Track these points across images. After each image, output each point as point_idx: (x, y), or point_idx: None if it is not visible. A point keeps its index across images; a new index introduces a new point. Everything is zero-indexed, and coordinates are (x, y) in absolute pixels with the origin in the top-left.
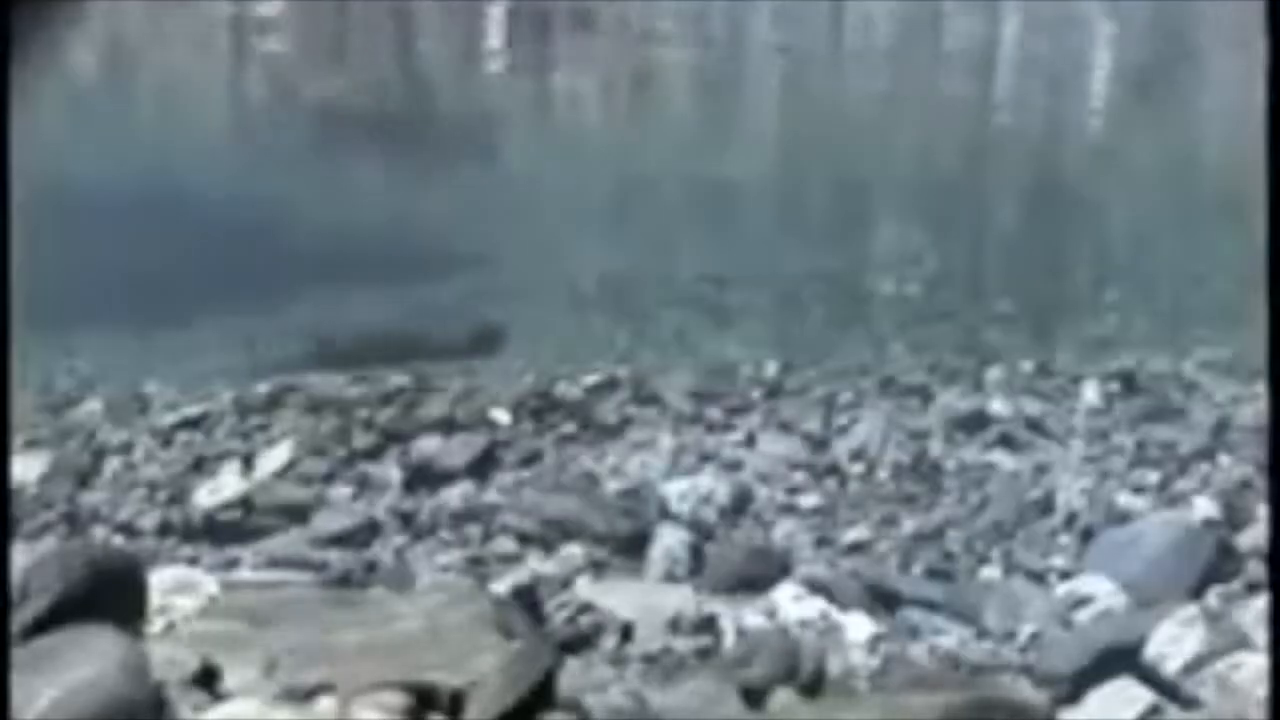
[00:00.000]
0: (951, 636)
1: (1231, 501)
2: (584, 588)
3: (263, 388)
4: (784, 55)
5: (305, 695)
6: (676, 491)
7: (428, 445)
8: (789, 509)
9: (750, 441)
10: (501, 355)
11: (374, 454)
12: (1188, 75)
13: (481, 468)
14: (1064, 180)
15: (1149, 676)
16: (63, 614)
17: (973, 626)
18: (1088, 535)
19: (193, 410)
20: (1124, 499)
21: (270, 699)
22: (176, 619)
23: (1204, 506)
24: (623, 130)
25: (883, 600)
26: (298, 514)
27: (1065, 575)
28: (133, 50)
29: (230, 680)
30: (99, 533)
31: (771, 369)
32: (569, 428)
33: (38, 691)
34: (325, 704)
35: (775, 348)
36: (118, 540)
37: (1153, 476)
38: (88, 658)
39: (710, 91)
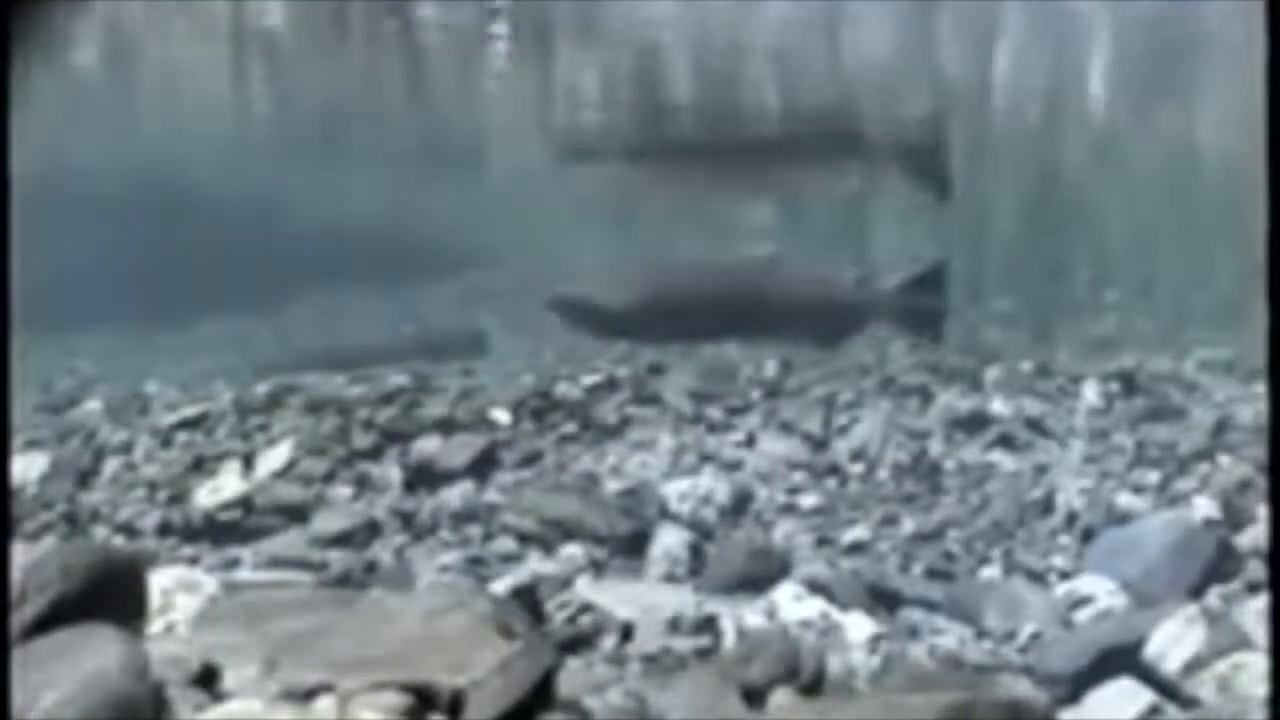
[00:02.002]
0: (951, 636)
1: (1231, 501)
2: (584, 588)
3: (263, 388)
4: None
5: (305, 695)
6: (676, 491)
7: (428, 445)
8: (789, 509)
9: (750, 441)
10: (501, 355)
11: (374, 454)
12: (1190, 73)
13: (481, 468)
14: (1064, 178)
15: (1149, 676)
16: (63, 614)
17: (973, 626)
18: (1088, 535)
19: (193, 410)
20: (1124, 499)
21: (270, 699)
22: (176, 619)
23: (1204, 506)
24: None
25: (883, 600)
26: (298, 514)
27: (1065, 575)
28: (132, 50)
29: (230, 680)
30: (99, 533)
31: (771, 369)
32: (569, 428)
33: (38, 691)
34: (325, 704)
35: (775, 347)
36: (118, 540)
37: (1153, 476)
38: (88, 658)
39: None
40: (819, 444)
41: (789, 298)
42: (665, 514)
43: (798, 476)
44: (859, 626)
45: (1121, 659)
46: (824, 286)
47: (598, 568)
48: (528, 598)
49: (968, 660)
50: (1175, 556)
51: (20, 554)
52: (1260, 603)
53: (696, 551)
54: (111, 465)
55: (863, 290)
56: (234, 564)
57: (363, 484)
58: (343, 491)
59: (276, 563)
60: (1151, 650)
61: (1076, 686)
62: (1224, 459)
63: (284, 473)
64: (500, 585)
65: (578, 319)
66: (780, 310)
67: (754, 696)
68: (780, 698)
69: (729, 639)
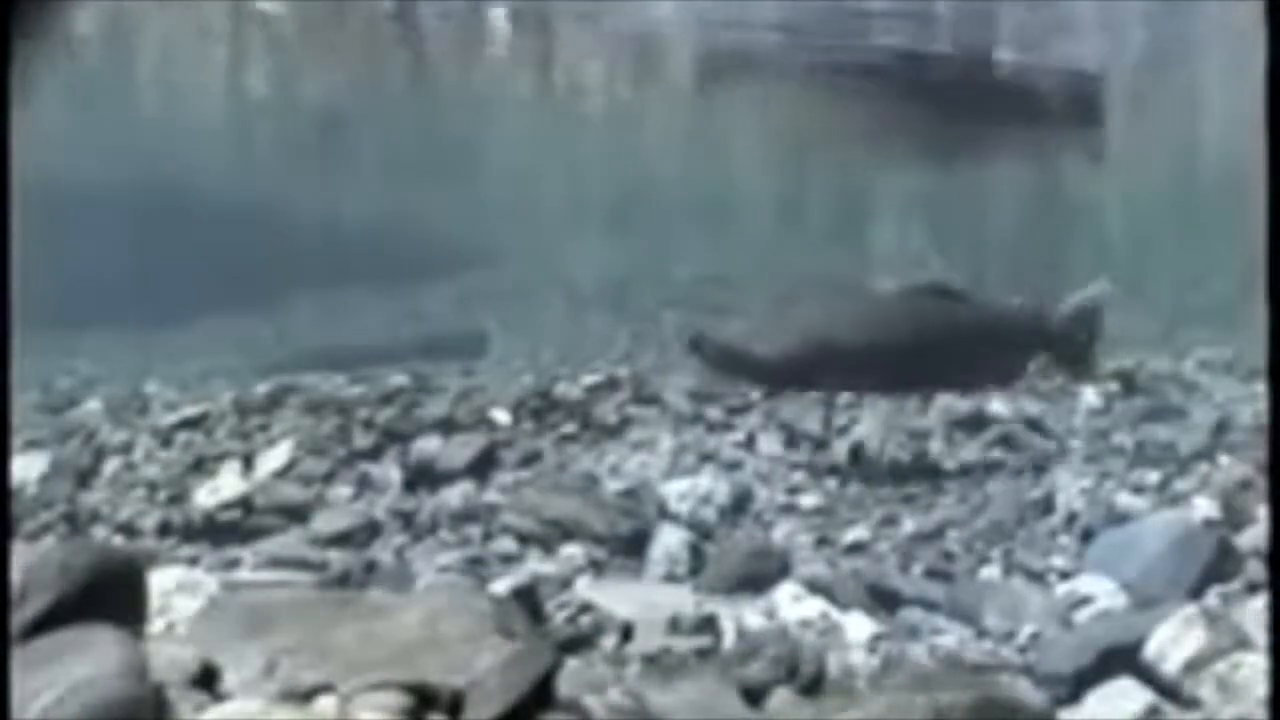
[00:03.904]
0: (951, 636)
1: (1231, 501)
2: (584, 588)
3: (263, 388)
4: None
5: (305, 695)
6: (676, 491)
7: (428, 445)
8: (789, 509)
9: (750, 441)
10: (501, 356)
11: (374, 454)
12: (1191, 72)
13: (481, 468)
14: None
15: (1149, 676)
16: (63, 614)
17: (973, 626)
18: (1088, 535)
19: (193, 410)
20: (1124, 499)
21: (270, 699)
22: (176, 619)
23: (1204, 506)
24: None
25: (883, 600)
26: (298, 514)
27: (1065, 575)
28: (132, 50)
29: (230, 680)
30: (99, 533)
31: None
32: (569, 428)
33: (38, 691)
34: (325, 704)
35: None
36: (118, 540)
37: (1153, 476)
38: (88, 658)
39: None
40: (819, 444)
41: (978, 337)
42: (665, 514)
43: (798, 476)
44: (859, 626)
45: (1121, 659)
46: (1010, 320)
47: (598, 568)
48: (528, 598)
49: (968, 660)
50: (1175, 556)
51: (20, 554)
52: (1260, 603)
53: (696, 551)
54: (111, 465)
55: (1038, 320)
56: (234, 564)
57: (363, 484)
58: (343, 491)
59: (276, 563)
60: (1151, 650)
61: (1076, 686)
62: (1224, 459)
63: (284, 473)
64: (500, 585)
65: (723, 365)
66: (968, 352)
67: (754, 696)
68: (780, 698)
69: (729, 639)
